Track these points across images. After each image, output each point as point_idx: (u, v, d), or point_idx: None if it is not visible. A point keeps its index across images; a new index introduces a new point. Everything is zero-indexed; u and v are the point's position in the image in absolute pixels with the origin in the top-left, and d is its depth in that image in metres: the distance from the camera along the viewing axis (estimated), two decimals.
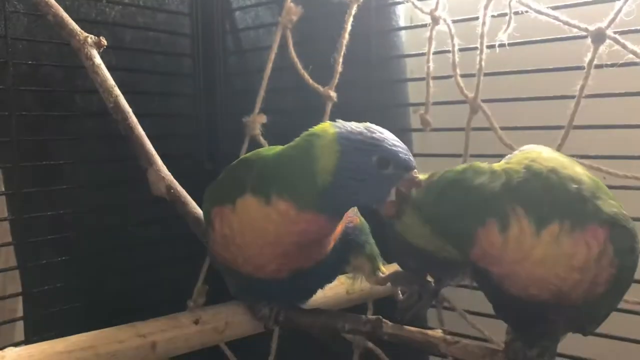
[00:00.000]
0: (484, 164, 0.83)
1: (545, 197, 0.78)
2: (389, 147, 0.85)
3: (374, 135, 0.86)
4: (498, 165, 0.83)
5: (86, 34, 1.02)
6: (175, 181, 1.05)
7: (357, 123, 0.89)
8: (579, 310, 0.82)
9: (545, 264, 0.77)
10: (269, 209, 0.87)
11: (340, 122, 0.89)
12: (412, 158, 0.87)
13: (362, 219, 1.04)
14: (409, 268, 0.93)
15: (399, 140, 0.87)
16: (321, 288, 1.05)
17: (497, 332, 1.12)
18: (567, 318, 0.84)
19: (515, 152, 0.89)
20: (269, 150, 0.96)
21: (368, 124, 0.89)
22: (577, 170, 0.83)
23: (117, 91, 1.02)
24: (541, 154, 0.85)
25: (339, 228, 0.96)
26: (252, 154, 0.98)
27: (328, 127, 0.88)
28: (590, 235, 0.77)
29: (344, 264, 1.03)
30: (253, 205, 0.88)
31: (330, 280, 1.05)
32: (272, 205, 0.86)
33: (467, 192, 0.79)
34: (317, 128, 0.90)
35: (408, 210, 0.83)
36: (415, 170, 0.86)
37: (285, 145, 0.92)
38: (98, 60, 1.02)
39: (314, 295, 1.06)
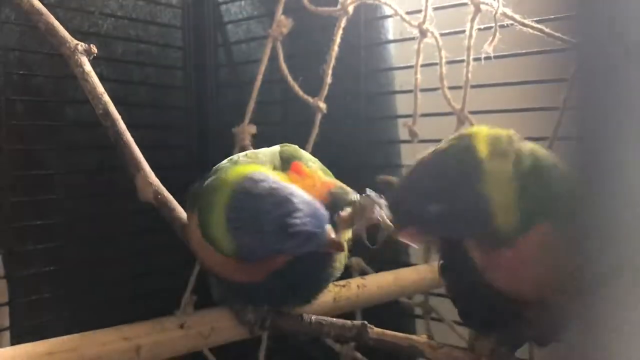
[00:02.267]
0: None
1: (550, 189, 0.77)
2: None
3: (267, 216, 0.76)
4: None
5: (77, 42, 1.03)
6: (163, 187, 1.05)
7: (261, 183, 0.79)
8: (550, 308, 0.81)
9: (562, 268, 0.76)
10: (205, 244, 0.83)
11: (245, 183, 0.79)
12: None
13: (342, 186, 0.95)
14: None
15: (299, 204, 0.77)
16: (323, 283, 0.97)
17: None
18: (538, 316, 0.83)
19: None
20: (235, 168, 0.87)
21: (270, 187, 0.78)
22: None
23: (106, 98, 1.03)
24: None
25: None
26: (224, 168, 0.90)
27: (224, 199, 0.80)
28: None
29: None
30: (196, 229, 0.85)
31: (324, 271, 0.94)
32: (206, 243, 0.83)
33: None
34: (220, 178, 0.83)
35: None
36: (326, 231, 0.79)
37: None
38: (88, 67, 1.03)
39: (319, 294, 0.98)
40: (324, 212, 0.79)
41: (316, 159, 1.00)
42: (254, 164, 0.87)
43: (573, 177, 0.74)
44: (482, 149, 0.77)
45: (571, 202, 0.75)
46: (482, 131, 0.79)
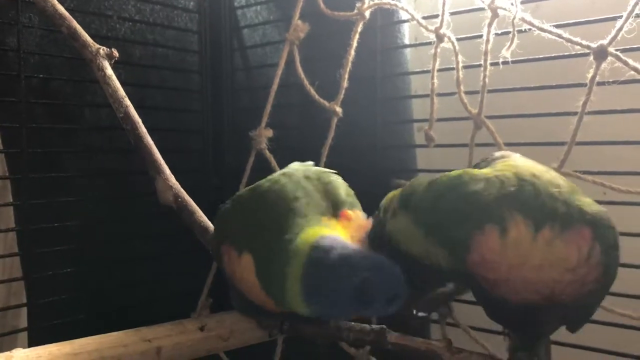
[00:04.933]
0: (476, 170, 0.83)
1: (537, 201, 0.78)
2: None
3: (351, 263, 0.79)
4: (487, 172, 0.82)
5: (98, 46, 1.05)
6: (182, 190, 1.06)
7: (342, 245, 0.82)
8: (569, 309, 0.83)
9: (542, 268, 0.77)
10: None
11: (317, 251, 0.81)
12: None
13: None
14: None
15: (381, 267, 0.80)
16: None
17: (501, 348, 1.12)
18: (557, 318, 0.85)
19: (493, 159, 0.90)
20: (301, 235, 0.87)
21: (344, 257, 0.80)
22: (553, 174, 0.84)
23: (127, 102, 1.04)
24: (517, 160, 0.86)
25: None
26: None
27: (300, 261, 0.82)
28: (579, 236, 0.78)
29: None
30: (250, 268, 0.88)
31: None
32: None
33: (465, 198, 0.78)
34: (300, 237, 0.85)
35: (402, 212, 0.80)
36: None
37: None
38: (110, 71, 1.05)
39: None
40: (397, 272, 0.80)
41: (350, 189, 1.04)
42: (318, 227, 0.88)
43: None
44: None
45: None
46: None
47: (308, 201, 0.93)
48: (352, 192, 1.04)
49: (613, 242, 0.81)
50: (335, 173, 1.06)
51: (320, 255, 0.80)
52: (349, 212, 0.96)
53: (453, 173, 0.83)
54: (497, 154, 0.93)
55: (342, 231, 0.89)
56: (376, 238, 0.85)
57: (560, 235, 0.77)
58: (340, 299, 0.78)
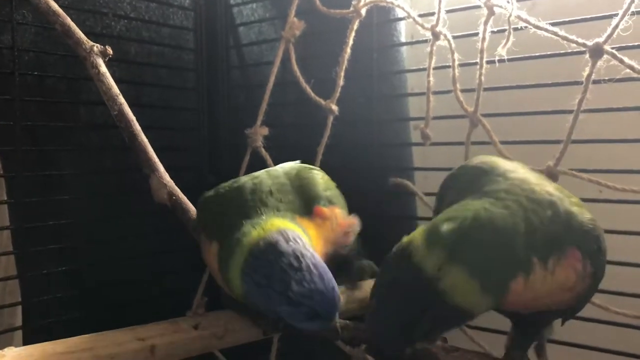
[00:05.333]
0: (496, 210, 0.81)
1: (546, 236, 0.80)
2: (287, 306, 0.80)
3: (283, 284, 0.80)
4: (498, 202, 0.82)
5: (92, 43, 1.04)
6: (177, 188, 1.06)
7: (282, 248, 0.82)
8: (564, 313, 0.89)
9: (549, 295, 0.81)
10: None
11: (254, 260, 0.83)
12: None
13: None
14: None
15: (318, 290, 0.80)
16: None
17: (497, 346, 1.12)
18: (547, 322, 0.91)
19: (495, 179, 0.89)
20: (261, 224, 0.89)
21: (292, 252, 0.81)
22: (545, 183, 0.87)
23: (121, 99, 1.04)
24: (511, 173, 0.88)
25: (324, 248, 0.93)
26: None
27: (245, 251, 0.84)
28: (573, 258, 0.81)
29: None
30: (215, 256, 0.90)
31: None
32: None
33: (506, 249, 0.78)
34: (242, 240, 0.86)
35: (455, 266, 0.76)
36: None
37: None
38: (103, 69, 1.04)
39: None
40: (337, 297, 0.81)
41: (331, 184, 1.04)
42: (280, 219, 0.89)
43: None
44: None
45: None
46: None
47: (281, 197, 0.94)
48: (333, 186, 1.04)
49: (598, 248, 0.84)
50: (317, 169, 1.07)
51: (267, 247, 0.81)
52: (324, 208, 0.96)
53: (481, 213, 0.80)
54: (477, 158, 0.97)
55: (312, 229, 0.91)
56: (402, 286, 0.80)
57: (558, 262, 0.80)
58: (271, 289, 0.80)
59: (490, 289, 0.77)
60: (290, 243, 0.82)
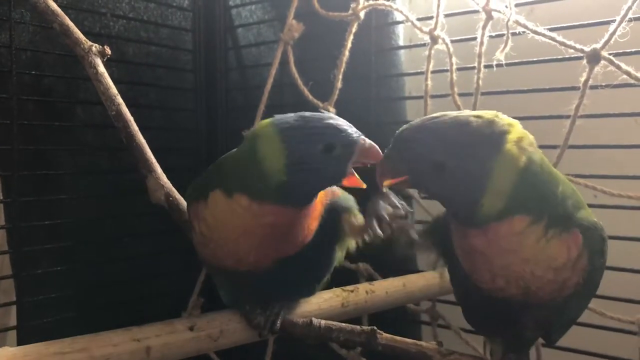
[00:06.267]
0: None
1: (565, 210, 0.80)
2: (330, 131, 0.86)
3: (312, 123, 0.87)
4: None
5: (91, 43, 1.04)
6: (174, 189, 1.06)
7: (292, 114, 0.90)
8: (546, 310, 0.84)
9: (533, 262, 0.79)
10: (233, 203, 0.88)
11: (277, 117, 0.89)
12: (354, 130, 0.88)
13: (344, 192, 1.03)
14: None
15: (336, 118, 0.88)
16: (326, 273, 1.04)
17: None
18: (534, 319, 0.86)
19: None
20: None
21: (302, 113, 0.89)
22: (555, 170, 0.86)
23: (119, 99, 1.04)
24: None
25: (319, 207, 0.96)
26: (227, 153, 0.98)
27: (267, 125, 0.88)
28: (573, 240, 0.80)
29: (335, 240, 1.02)
30: (221, 199, 0.89)
31: (328, 262, 1.03)
32: (234, 200, 0.87)
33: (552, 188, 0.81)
34: (257, 128, 0.90)
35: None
36: (362, 138, 0.88)
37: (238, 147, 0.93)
38: (102, 68, 1.04)
39: (321, 283, 1.05)
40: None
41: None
42: None
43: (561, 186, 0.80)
44: (512, 134, 0.79)
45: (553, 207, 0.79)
46: (516, 124, 0.81)
47: None
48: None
49: (600, 249, 0.83)
50: None
51: (289, 129, 0.86)
52: None
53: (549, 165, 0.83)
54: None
55: None
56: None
57: (558, 235, 0.79)
58: (316, 156, 0.85)
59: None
60: (300, 116, 0.89)
